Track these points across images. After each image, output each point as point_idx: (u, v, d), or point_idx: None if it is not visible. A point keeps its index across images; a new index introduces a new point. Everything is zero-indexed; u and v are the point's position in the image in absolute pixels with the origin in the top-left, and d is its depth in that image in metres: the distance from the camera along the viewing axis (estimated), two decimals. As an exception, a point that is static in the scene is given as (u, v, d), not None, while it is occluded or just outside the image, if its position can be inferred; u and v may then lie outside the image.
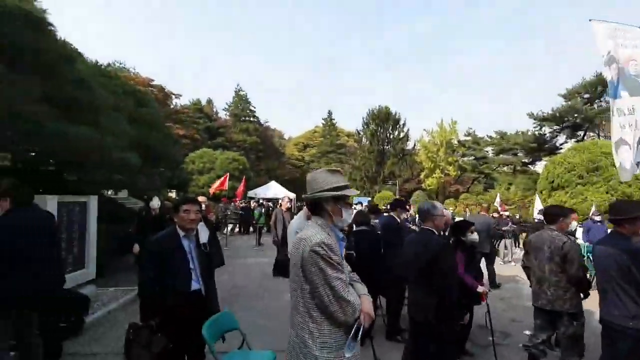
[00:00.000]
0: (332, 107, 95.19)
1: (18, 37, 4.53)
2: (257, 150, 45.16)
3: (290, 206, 9.04)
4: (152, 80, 30.73)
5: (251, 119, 47.41)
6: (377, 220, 5.33)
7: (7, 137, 4.62)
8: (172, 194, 17.44)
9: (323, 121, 54.02)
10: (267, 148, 48.14)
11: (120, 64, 30.42)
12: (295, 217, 4.12)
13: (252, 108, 48.05)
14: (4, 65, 4.10)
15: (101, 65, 10.30)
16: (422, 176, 36.34)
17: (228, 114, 47.77)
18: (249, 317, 4.84)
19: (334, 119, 53.61)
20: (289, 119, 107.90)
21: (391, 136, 39.32)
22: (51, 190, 5.04)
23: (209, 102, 48.01)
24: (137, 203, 13.35)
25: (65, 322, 4.32)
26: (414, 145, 39.61)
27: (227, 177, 16.75)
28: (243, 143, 43.43)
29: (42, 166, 9.75)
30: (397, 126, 39.04)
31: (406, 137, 39.27)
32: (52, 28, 5.55)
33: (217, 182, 17.01)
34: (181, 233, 2.65)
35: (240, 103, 47.38)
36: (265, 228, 14.74)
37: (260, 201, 20.26)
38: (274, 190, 23.61)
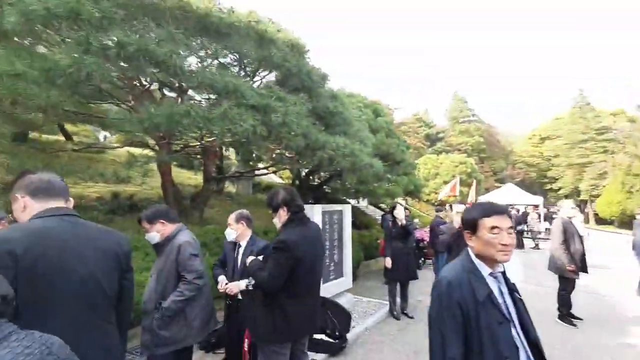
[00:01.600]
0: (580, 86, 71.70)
1: (286, 61, 4.78)
2: (480, 151, 39.70)
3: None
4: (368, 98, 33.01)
5: (470, 118, 42.53)
6: None
7: (280, 153, 4.90)
8: (402, 201, 17.03)
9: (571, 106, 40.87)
10: (492, 148, 41.51)
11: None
12: None
13: (471, 108, 43.06)
14: (274, 82, 4.26)
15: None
16: None
17: (446, 118, 44.98)
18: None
19: (587, 98, 39.28)
20: (516, 113, 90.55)
21: None
22: (314, 201, 5.09)
23: (426, 111, 46.99)
24: (375, 212, 13.51)
25: (330, 337, 4.00)
26: None
27: (458, 182, 14.71)
28: (464, 145, 39.37)
29: (311, 180, 11.56)
30: None
31: None
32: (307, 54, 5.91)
33: (446, 188, 15.26)
34: (485, 272, 1.32)
35: (458, 105, 43.55)
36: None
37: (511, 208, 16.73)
38: (511, 194, 19.19)
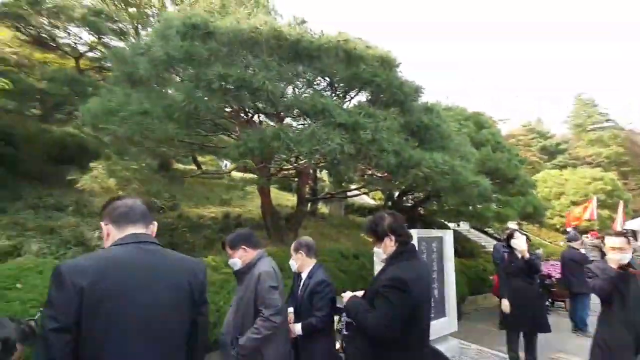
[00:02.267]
0: None
1: (376, 77, 4.52)
2: (620, 163, 31.65)
3: None
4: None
5: (603, 124, 34.58)
6: None
7: (371, 173, 4.55)
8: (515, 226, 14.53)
9: None
10: (638, 159, 32.65)
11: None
12: None
13: (603, 112, 35.16)
14: (365, 101, 3.99)
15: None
16: None
17: (568, 126, 37.75)
18: None
19: None
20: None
21: None
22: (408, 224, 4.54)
23: (539, 120, 40.39)
24: (480, 237, 11.81)
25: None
26: None
27: (593, 203, 11.75)
28: (596, 157, 32.06)
29: (405, 202, 10.84)
30: None
31: None
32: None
33: (577, 210, 12.37)
34: None
35: (584, 110, 36.13)
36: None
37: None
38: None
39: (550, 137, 36.84)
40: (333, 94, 4.77)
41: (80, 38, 11.30)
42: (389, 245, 1.81)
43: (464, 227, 12.26)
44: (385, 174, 4.60)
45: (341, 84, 4.53)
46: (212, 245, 6.87)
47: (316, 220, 10.23)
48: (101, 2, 11.45)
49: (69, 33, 10.87)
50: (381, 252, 1.83)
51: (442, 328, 4.25)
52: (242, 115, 4.93)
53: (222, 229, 7.64)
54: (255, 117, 4.95)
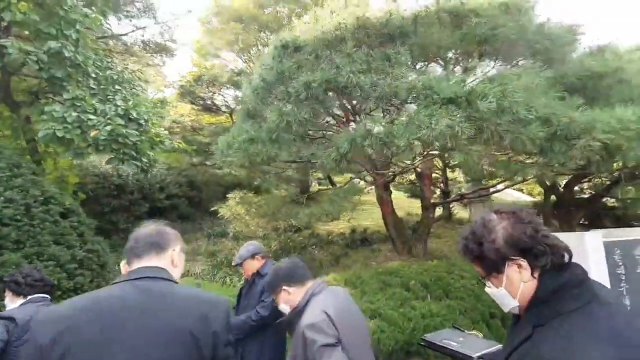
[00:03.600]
0: None
1: (497, 27, 3.37)
2: None
3: None
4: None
5: None
6: None
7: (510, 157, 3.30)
8: None
9: None
10: None
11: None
12: None
13: None
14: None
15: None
16: None
17: None
18: None
19: None
20: None
21: None
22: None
23: None
24: None
25: None
26: None
27: None
28: None
29: (578, 193, 7.89)
30: None
31: None
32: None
33: None
34: None
35: None
36: None
37: None
38: None
39: None
40: (443, 69, 3.84)
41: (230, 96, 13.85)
42: (518, 276, 0.92)
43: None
44: (532, 156, 3.24)
45: (449, 55, 3.58)
46: (338, 261, 6.68)
47: (452, 227, 8.71)
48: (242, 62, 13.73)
49: (222, 96, 13.52)
50: (505, 295, 0.95)
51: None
52: (333, 119, 4.59)
53: (348, 244, 7.39)
54: (354, 119, 4.51)
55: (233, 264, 2.70)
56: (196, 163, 12.34)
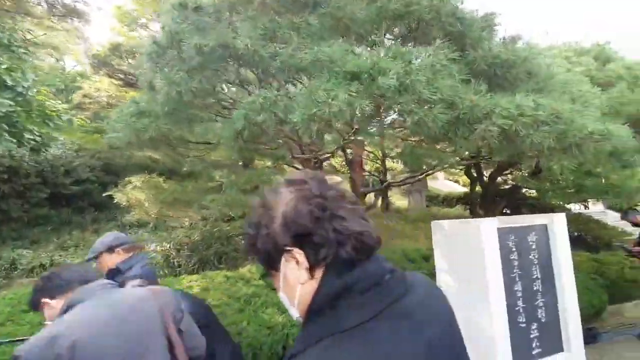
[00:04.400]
0: None
1: (412, 4, 3.18)
2: None
3: None
4: None
5: None
6: None
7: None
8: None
9: None
10: None
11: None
12: None
13: None
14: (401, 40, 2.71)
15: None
16: None
17: None
18: None
19: None
20: None
21: None
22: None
23: None
24: (626, 224, 8.65)
25: None
26: None
27: None
28: None
29: (502, 184, 8.43)
30: None
31: None
32: None
33: None
34: None
35: None
36: None
37: None
38: None
39: None
40: (356, 44, 3.59)
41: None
42: (296, 275, 0.62)
43: (595, 208, 9.15)
44: (441, 142, 3.16)
45: (361, 30, 3.33)
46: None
47: (389, 216, 8.89)
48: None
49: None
50: (285, 300, 0.67)
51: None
52: (236, 92, 4.13)
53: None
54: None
55: (86, 258, 2.19)
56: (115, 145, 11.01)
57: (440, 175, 17.20)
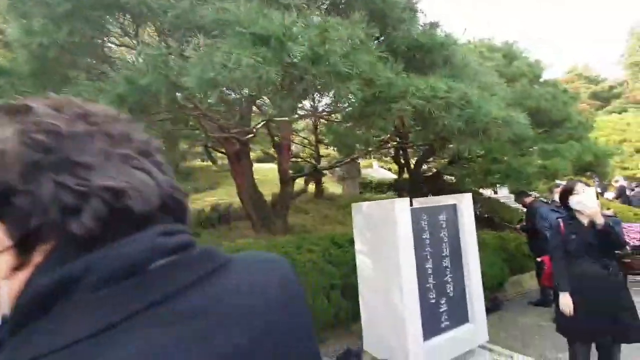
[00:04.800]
0: None
1: None
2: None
3: None
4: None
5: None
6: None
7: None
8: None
9: None
10: None
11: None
12: None
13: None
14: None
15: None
16: None
17: (621, 67, 32.52)
18: None
19: None
20: None
21: None
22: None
23: (586, 65, 35.24)
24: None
25: None
26: None
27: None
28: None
29: (427, 172, 8.99)
30: None
31: None
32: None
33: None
34: None
35: (641, 45, 30.80)
36: None
37: None
38: None
39: (602, 82, 31.97)
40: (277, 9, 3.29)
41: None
42: (2, 261, 0.33)
43: (502, 193, 10.28)
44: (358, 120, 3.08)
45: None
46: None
47: (322, 202, 8.88)
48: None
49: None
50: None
51: (464, 340, 2.75)
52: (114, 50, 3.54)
53: (201, 222, 6.56)
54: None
55: None
56: None
57: (375, 163, 17.90)
